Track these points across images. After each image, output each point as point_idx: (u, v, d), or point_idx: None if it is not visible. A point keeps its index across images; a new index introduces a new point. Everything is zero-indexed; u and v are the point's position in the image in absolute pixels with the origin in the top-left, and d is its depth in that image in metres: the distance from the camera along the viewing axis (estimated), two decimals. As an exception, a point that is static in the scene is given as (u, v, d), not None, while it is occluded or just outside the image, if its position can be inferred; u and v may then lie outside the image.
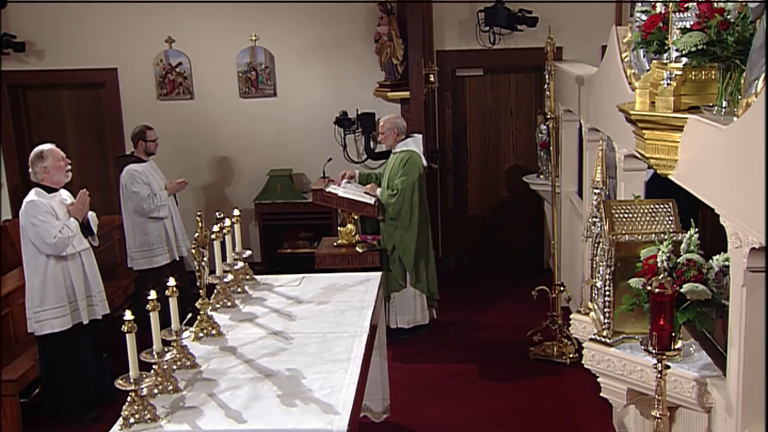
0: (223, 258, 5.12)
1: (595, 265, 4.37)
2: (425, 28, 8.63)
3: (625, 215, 4.15)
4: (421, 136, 7.68)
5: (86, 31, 9.12)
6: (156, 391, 3.91)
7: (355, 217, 7.46)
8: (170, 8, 9.01)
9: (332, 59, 9.06)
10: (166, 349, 3.99)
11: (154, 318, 3.85)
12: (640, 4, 4.42)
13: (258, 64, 9.13)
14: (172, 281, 4.10)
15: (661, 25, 3.96)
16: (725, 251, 3.60)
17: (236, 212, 5.39)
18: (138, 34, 9.11)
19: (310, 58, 9.06)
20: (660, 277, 3.59)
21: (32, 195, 5.93)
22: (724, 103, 3.58)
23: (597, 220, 4.35)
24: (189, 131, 9.29)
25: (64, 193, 6.14)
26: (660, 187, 4.44)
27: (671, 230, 4.04)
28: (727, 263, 3.69)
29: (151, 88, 9.25)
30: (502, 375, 6.79)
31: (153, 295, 3.84)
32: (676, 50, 3.65)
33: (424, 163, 7.54)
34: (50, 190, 5.99)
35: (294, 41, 9.04)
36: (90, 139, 9.60)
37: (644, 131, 3.94)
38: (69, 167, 6.12)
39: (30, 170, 6.03)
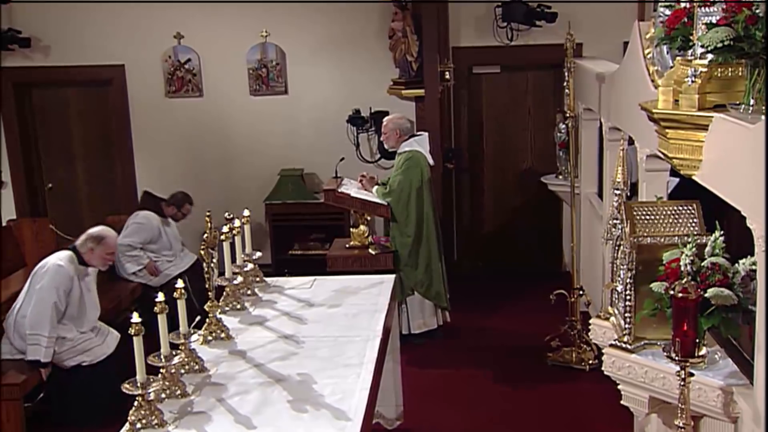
0: (233, 260, 5.07)
1: (615, 269, 4.28)
2: (440, 24, 8.55)
3: (647, 217, 4.07)
4: (426, 134, 7.60)
5: (93, 27, 9.07)
6: (163, 395, 3.87)
7: (368, 217, 7.39)
8: (179, 3, 8.94)
9: (345, 56, 8.98)
10: (174, 353, 3.95)
11: (162, 321, 3.81)
12: (663, -2, 4.32)
13: (269, 61, 9.06)
14: (180, 283, 4.05)
15: (685, 20, 3.86)
16: (752, 255, 3.49)
17: (246, 213, 5.35)
18: (146, 29, 9.06)
19: (322, 54, 8.99)
20: (683, 281, 3.50)
21: (66, 260, 6.04)
22: (752, 101, 3.47)
23: (618, 221, 4.26)
24: (198, 130, 9.24)
25: (92, 269, 6.26)
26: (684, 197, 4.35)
27: (695, 233, 3.94)
28: (754, 267, 3.58)
29: (159, 85, 9.20)
30: (519, 381, 6.69)
31: (161, 297, 3.80)
32: (702, 46, 3.55)
33: (431, 161, 7.45)
34: (83, 262, 6.11)
35: (306, 37, 8.97)
36: (96, 138, 9.56)
37: (667, 130, 3.84)
38: (111, 262, 6.35)
39: (82, 238, 6.16)
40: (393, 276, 5.75)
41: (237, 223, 5.06)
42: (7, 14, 8.97)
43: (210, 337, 4.58)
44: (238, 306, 5.04)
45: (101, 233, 6.18)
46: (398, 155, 7.44)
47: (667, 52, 4.27)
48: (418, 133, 7.56)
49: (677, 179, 5.50)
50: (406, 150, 7.35)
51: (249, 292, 5.27)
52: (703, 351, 3.58)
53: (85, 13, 9.01)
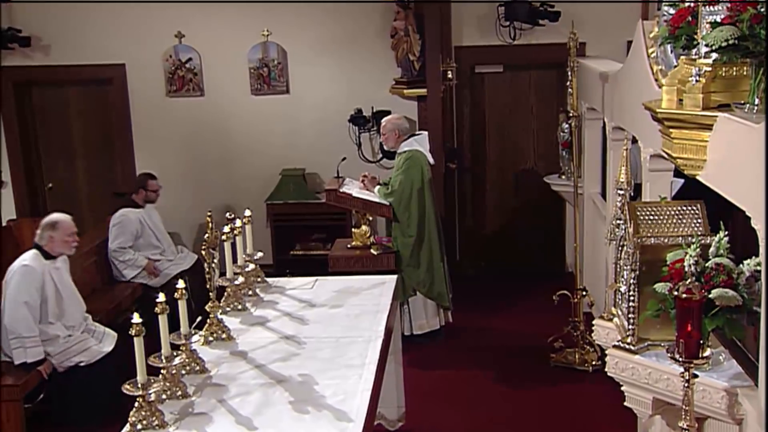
0: (234, 260, 5.04)
1: (619, 269, 4.24)
2: (443, 23, 8.53)
3: (651, 217, 4.03)
4: (426, 133, 7.57)
5: (93, 26, 9.04)
6: (164, 396, 3.87)
7: (370, 218, 7.37)
8: (180, 3, 8.90)
9: (347, 55, 8.95)
10: (174, 354, 3.93)
11: (163, 321, 3.79)
12: (667, -3, 4.29)
13: (270, 60, 9.03)
14: (181, 284, 4.04)
15: (689, 19, 3.83)
16: (757, 255, 3.47)
17: (247, 213, 5.32)
18: (147, 28, 9.03)
19: (324, 53, 8.96)
20: (687, 282, 3.47)
21: (30, 258, 6.01)
22: (756, 101, 3.43)
23: (621, 222, 4.22)
24: (199, 129, 9.21)
25: (60, 260, 6.20)
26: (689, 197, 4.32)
27: (699, 233, 3.90)
28: (758, 268, 3.55)
29: (160, 84, 9.17)
30: (522, 382, 6.67)
31: (161, 297, 3.78)
32: (706, 45, 3.51)
33: (431, 160, 7.42)
34: (49, 256, 6.07)
35: (308, 36, 8.94)
36: (96, 137, 9.52)
37: (671, 130, 3.81)
38: (76, 243, 6.24)
39: (38, 232, 6.12)
40: (395, 276, 5.74)
41: (238, 223, 5.04)
42: (7, 13, 8.94)
43: (211, 338, 4.56)
44: (240, 306, 5.02)
45: (53, 218, 6.15)
46: (398, 155, 7.42)
47: (671, 51, 4.24)
48: (418, 132, 7.55)
49: (682, 180, 5.47)
50: (406, 150, 7.33)
51: (250, 292, 5.25)
52: (708, 352, 3.55)
53: (86, 12, 8.97)
